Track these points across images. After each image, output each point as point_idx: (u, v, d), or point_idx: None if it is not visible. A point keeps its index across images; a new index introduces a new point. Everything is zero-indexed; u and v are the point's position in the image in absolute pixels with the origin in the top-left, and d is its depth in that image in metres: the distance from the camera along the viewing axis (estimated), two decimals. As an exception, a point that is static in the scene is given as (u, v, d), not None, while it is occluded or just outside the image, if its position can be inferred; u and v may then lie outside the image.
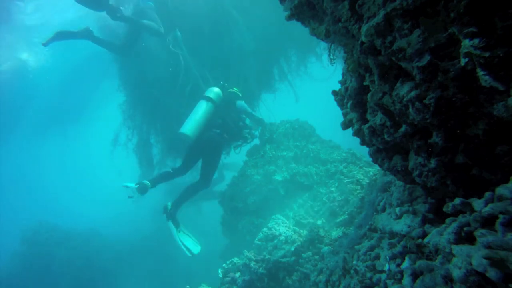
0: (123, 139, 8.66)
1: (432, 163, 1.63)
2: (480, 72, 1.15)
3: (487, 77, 1.14)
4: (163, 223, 5.21)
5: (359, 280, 2.18)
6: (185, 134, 5.26)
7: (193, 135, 5.29)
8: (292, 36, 7.75)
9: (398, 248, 1.92)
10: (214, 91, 5.63)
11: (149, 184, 5.16)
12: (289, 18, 2.24)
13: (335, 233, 3.92)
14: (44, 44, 6.03)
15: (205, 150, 5.49)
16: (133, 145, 8.64)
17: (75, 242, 11.34)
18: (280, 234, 4.24)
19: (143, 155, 8.70)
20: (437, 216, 1.89)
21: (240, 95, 6.12)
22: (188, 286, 4.79)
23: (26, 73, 13.38)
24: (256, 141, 7.05)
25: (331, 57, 2.19)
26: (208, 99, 5.53)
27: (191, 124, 5.31)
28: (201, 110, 5.42)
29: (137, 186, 5.10)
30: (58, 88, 14.72)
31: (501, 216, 1.18)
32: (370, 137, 2.01)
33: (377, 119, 1.86)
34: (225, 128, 5.64)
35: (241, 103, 6.06)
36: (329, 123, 10.34)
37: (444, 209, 1.58)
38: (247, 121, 6.26)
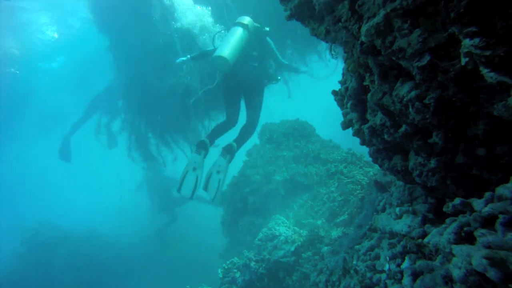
0: (124, 138, 8.68)
1: (432, 163, 1.63)
2: (484, 70, 1.14)
3: (492, 74, 1.13)
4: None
5: (359, 280, 2.19)
6: (223, 57, 4.37)
7: (231, 60, 4.45)
8: (291, 34, 7.71)
9: (398, 248, 1.92)
10: (247, 19, 4.83)
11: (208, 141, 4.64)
12: (289, 18, 2.24)
13: (335, 233, 3.92)
14: None
15: (246, 87, 4.89)
16: (130, 140, 8.64)
17: (75, 242, 11.35)
18: (280, 234, 4.24)
19: (143, 150, 8.67)
20: (437, 216, 1.89)
21: (268, 30, 5.17)
22: (188, 286, 4.79)
23: (30, 68, 13.22)
24: (256, 141, 7.05)
25: (333, 52, 2.19)
26: (242, 25, 4.71)
27: (228, 48, 4.44)
28: (237, 35, 4.59)
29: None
30: (57, 87, 14.73)
31: (501, 216, 1.18)
32: (370, 137, 2.01)
33: (377, 119, 1.86)
34: (262, 63, 5.02)
35: (270, 40, 5.22)
36: (329, 123, 10.32)
37: (444, 209, 1.58)
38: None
